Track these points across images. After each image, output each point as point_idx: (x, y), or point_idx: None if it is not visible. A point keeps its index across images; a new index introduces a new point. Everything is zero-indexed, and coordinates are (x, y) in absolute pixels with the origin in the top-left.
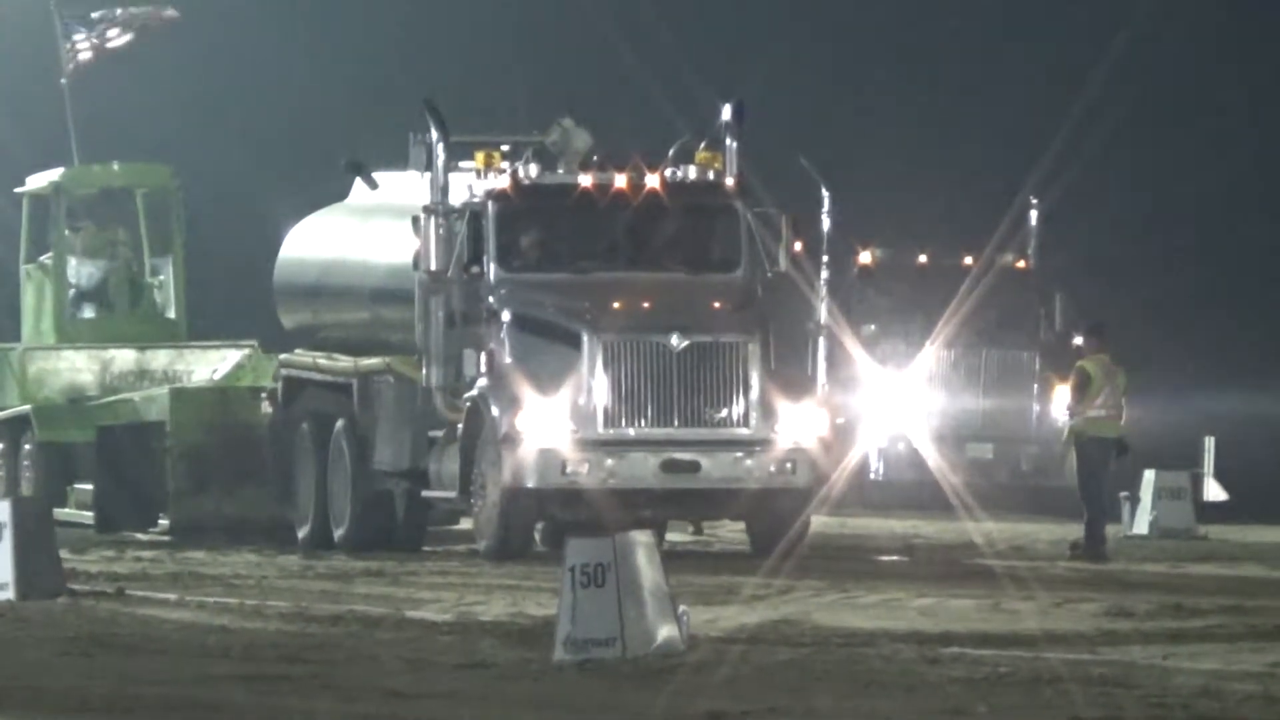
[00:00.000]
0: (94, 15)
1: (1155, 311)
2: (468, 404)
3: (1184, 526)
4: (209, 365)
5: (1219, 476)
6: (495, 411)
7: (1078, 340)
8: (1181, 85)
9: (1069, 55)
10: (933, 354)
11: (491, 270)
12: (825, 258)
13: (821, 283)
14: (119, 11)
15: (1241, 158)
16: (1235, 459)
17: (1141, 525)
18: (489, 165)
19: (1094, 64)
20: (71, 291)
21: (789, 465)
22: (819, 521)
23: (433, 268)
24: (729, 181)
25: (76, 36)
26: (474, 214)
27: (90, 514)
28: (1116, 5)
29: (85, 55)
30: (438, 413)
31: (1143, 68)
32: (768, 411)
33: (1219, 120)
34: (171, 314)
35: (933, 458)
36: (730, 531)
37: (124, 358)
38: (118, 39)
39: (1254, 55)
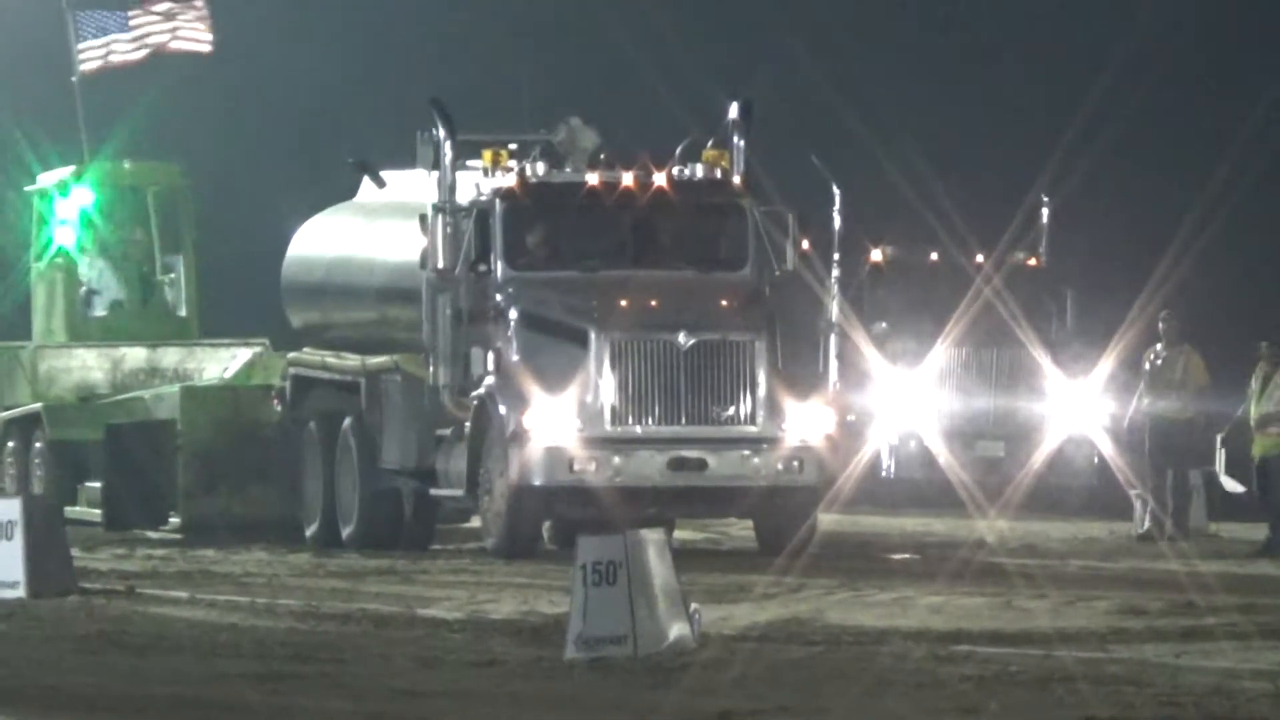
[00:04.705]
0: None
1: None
2: (475, 402)
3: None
4: (220, 363)
5: (1230, 474)
6: (502, 409)
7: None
8: (1190, 83)
9: (1080, 50)
10: (944, 352)
11: (499, 268)
12: (836, 256)
13: (833, 281)
14: (133, 18)
15: (1250, 157)
16: (1245, 457)
17: None
18: (496, 164)
19: (1105, 59)
20: (82, 289)
21: (796, 463)
22: (830, 520)
23: (440, 266)
24: (736, 180)
25: (89, 43)
26: (481, 212)
27: (100, 512)
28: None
29: (93, 65)
30: (445, 411)
31: (1155, 62)
32: (775, 409)
33: (1227, 119)
34: (182, 312)
35: (944, 456)
36: (741, 530)
37: (135, 356)
38: (130, 54)
39: (1264, 52)
